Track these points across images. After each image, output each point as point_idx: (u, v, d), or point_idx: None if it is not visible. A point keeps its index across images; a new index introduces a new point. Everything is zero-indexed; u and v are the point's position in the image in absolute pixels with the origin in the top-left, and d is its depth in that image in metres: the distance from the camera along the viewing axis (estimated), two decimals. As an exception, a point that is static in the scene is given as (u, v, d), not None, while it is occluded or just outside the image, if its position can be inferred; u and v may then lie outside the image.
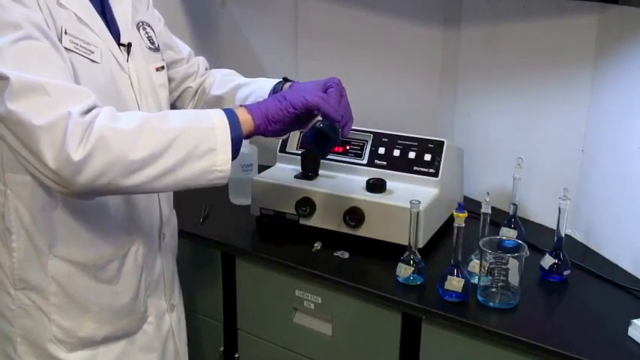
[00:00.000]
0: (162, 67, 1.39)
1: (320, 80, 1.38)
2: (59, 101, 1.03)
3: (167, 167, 1.07)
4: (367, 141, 1.69)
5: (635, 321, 1.27)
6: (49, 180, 1.05)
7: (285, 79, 1.50)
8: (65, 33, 1.13)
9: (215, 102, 1.54)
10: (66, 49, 1.12)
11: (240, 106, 1.22)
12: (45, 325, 1.24)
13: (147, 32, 1.36)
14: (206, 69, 1.59)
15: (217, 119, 1.13)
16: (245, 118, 1.18)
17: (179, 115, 1.13)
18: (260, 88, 1.50)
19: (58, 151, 1.01)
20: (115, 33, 1.26)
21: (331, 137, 1.26)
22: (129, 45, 1.27)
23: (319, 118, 1.26)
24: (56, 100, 1.03)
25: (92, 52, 1.17)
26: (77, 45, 1.14)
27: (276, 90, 1.47)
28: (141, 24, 1.35)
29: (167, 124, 1.09)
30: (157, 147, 1.06)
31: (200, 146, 1.09)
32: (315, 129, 1.25)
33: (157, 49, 1.37)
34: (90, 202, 1.19)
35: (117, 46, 1.24)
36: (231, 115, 1.15)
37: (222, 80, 1.56)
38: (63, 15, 1.14)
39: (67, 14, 1.15)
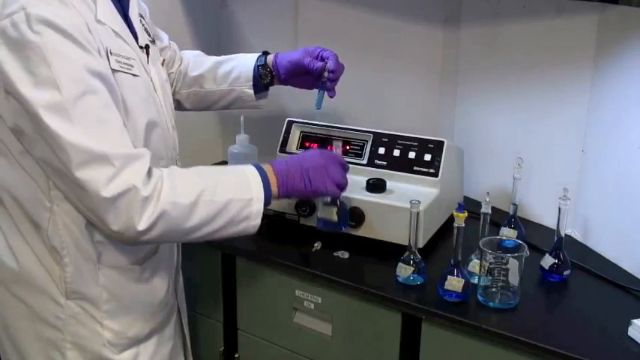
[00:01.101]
0: (164, 60, 1.40)
1: (307, 48, 1.57)
2: (122, 170, 1.09)
3: (212, 231, 1.21)
4: (367, 141, 1.69)
5: (635, 321, 1.27)
6: (108, 234, 1.16)
7: (266, 53, 1.60)
8: (111, 53, 1.15)
9: (195, 81, 1.60)
10: (113, 70, 1.14)
11: (270, 166, 1.31)
12: (97, 331, 1.26)
13: (143, 25, 1.36)
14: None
15: (256, 190, 1.24)
16: (274, 192, 1.29)
17: (226, 182, 1.23)
18: (242, 64, 1.58)
19: (123, 222, 1.11)
20: (133, 36, 1.27)
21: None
22: (146, 47, 1.29)
23: (327, 199, 1.47)
24: (119, 169, 1.09)
25: (132, 67, 1.19)
26: (121, 64, 1.17)
27: (258, 64, 1.58)
28: (138, 17, 1.35)
29: (216, 196, 1.20)
30: (207, 217, 1.19)
31: (239, 215, 1.22)
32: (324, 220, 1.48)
33: (153, 41, 1.38)
34: None
35: (140, 50, 1.26)
36: (266, 185, 1.26)
37: (197, 61, 1.62)
38: (103, 32, 1.15)
39: (105, 30, 1.16)
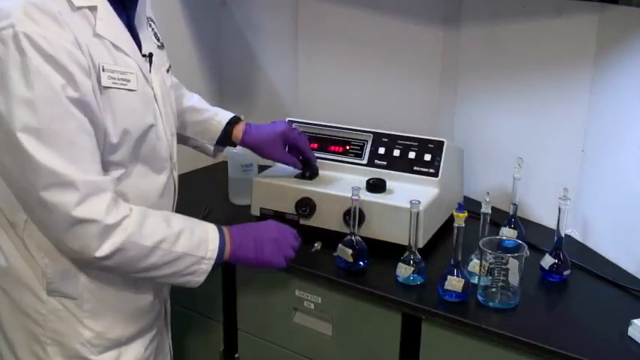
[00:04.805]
0: (170, 67, 1.39)
1: (275, 133, 1.57)
2: (87, 198, 1.11)
3: (158, 276, 1.26)
4: (367, 141, 1.69)
5: (635, 321, 1.27)
6: (66, 253, 1.19)
7: (237, 119, 1.60)
8: (103, 70, 1.15)
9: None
10: (104, 87, 1.15)
11: (229, 231, 1.34)
12: (77, 329, 1.26)
13: (153, 29, 1.35)
14: None
15: (211, 251, 1.30)
16: (226, 255, 1.33)
17: (187, 236, 1.26)
18: (212, 122, 1.59)
19: (81, 247, 1.14)
20: (137, 43, 1.26)
21: None
22: (150, 55, 1.28)
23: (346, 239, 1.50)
24: (84, 196, 1.11)
25: (128, 81, 1.19)
26: (115, 79, 1.17)
27: (226, 128, 1.58)
28: (147, 20, 1.34)
29: (175, 247, 1.24)
30: (159, 263, 1.23)
31: (187, 269, 1.27)
32: None
33: (162, 46, 1.37)
34: None
35: (142, 60, 1.25)
36: (221, 248, 1.31)
37: (177, 96, 1.58)
38: (99, 47, 1.15)
39: (102, 45, 1.15)
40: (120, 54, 1.19)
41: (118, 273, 1.24)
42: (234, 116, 1.61)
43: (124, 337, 1.31)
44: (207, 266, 1.29)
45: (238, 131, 1.59)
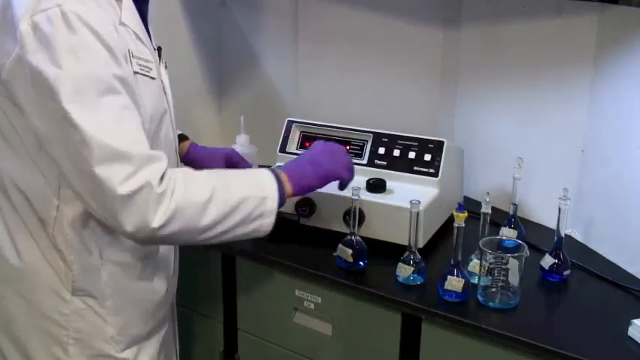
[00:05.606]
0: (166, 63, 1.41)
1: (219, 153, 1.58)
2: (139, 169, 1.10)
3: (226, 229, 1.21)
4: (367, 141, 1.69)
5: (635, 321, 1.27)
6: (123, 236, 1.17)
7: (183, 136, 1.59)
8: (132, 56, 1.17)
9: None
10: (135, 72, 1.17)
11: (283, 169, 1.33)
12: (101, 327, 1.27)
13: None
14: None
15: (269, 189, 1.26)
16: (288, 189, 1.31)
17: (239, 182, 1.25)
18: None
19: (138, 220, 1.11)
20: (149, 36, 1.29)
21: None
22: (159, 49, 1.31)
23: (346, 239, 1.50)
24: (138, 168, 1.10)
25: (150, 69, 1.22)
26: (142, 66, 1.19)
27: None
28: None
29: (230, 193, 1.21)
30: (220, 214, 1.19)
31: (253, 213, 1.23)
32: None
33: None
34: None
35: (154, 52, 1.28)
36: (280, 184, 1.28)
37: None
38: (126, 35, 1.17)
39: (127, 33, 1.18)
40: (140, 44, 1.21)
41: (183, 241, 1.23)
42: (182, 134, 1.60)
43: (144, 332, 1.33)
44: (272, 205, 1.25)
45: (184, 146, 1.58)
